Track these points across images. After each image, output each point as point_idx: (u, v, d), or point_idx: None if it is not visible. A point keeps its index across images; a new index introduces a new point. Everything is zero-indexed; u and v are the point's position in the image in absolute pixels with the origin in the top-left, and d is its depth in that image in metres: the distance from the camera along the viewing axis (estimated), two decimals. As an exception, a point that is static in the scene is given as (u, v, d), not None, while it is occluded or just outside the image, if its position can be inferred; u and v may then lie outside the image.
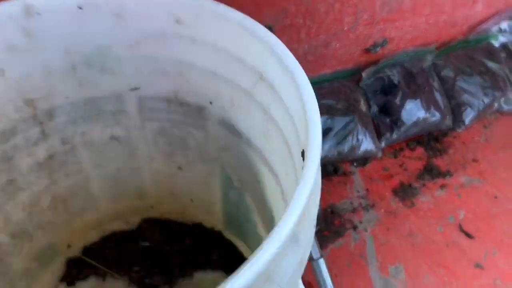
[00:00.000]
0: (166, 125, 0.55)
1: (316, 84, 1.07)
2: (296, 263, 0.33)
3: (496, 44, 1.22)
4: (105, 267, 0.65)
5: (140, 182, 0.62)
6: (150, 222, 0.69)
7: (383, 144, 1.01)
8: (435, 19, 1.12)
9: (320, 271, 0.67)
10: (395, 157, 1.00)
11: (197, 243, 0.68)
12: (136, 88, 0.51)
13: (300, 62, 0.94)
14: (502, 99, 1.12)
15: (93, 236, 0.66)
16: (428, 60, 1.15)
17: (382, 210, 0.85)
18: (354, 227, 0.81)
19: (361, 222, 0.82)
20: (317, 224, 0.81)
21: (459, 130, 1.08)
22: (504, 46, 1.23)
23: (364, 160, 0.99)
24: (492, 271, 0.76)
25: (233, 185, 0.56)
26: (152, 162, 0.59)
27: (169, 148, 0.57)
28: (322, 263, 0.67)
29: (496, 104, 1.12)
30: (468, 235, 0.80)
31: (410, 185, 0.92)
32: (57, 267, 0.64)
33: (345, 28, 1.01)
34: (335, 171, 0.95)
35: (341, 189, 0.91)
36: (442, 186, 0.91)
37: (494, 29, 1.23)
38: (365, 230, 0.81)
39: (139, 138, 0.57)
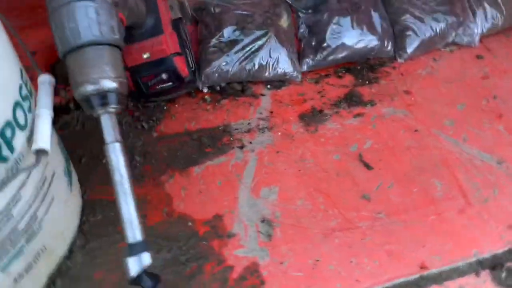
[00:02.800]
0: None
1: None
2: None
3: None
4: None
5: None
6: None
7: (304, 68, 0.92)
8: None
9: (112, 159, 0.51)
10: (317, 83, 0.92)
11: None
12: None
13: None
14: (461, 29, 0.96)
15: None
16: None
17: (279, 133, 0.84)
18: (241, 147, 0.82)
19: (250, 143, 0.82)
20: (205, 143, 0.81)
21: (401, 60, 0.96)
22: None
23: (280, 83, 0.92)
24: (379, 204, 0.73)
25: None
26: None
27: None
28: (115, 148, 0.51)
29: (452, 34, 0.96)
30: (367, 166, 0.80)
31: (321, 111, 0.87)
32: None
33: None
34: (242, 91, 0.90)
35: (244, 109, 0.88)
36: (358, 115, 0.87)
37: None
38: (252, 150, 0.81)
39: None
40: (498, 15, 1.00)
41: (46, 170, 0.58)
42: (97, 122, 0.52)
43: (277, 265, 0.66)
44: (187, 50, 0.84)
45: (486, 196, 0.74)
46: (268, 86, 0.93)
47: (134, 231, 0.50)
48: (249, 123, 0.86)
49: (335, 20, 0.93)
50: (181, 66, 0.79)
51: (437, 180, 0.76)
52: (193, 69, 0.85)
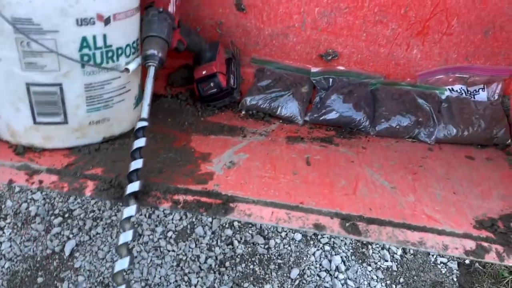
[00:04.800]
0: None
1: (281, 69, 1.56)
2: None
3: (442, 96, 1.50)
4: None
5: None
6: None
7: (307, 118, 1.47)
8: (375, 49, 1.42)
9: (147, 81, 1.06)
10: (310, 128, 1.46)
11: None
12: None
13: (267, 43, 1.67)
14: (422, 129, 1.40)
15: None
16: (373, 84, 1.52)
17: (270, 138, 1.37)
18: (244, 136, 1.36)
19: (250, 136, 1.36)
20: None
21: (372, 134, 1.43)
22: (447, 99, 1.49)
23: (288, 122, 1.48)
24: (299, 177, 1.09)
25: None
26: None
27: None
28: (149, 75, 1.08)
29: (416, 131, 1.40)
30: (308, 163, 1.23)
31: (302, 139, 1.37)
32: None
33: (296, 25, 1.44)
34: (263, 118, 1.48)
35: (258, 126, 1.44)
36: (323, 146, 1.34)
37: (443, 82, 1.51)
38: (248, 140, 1.35)
39: None
40: (454, 129, 1.42)
41: (127, 83, 1.16)
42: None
43: (224, 176, 1.13)
44: (232, 76, 1.47)
45: (371, 197, 1.12)
46: (280, 121, 1.47)
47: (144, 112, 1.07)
48: (256, 131, 1.40)
49: (334, 95, 1.47)
50: (222, 80, 1.41)
51: (344, 180, 1.17)
52: (234, 87, 1.46)
